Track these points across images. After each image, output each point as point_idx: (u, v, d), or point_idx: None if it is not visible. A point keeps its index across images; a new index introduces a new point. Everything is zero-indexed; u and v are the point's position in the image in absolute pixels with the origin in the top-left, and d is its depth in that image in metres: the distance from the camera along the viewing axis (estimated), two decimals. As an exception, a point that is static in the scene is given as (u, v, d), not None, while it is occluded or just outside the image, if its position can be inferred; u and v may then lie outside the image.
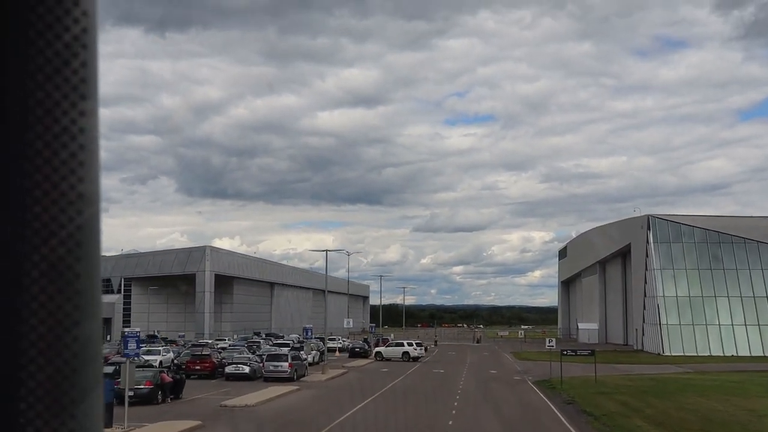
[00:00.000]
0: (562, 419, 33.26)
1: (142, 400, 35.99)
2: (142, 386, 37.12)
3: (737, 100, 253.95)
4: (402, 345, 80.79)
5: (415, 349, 79.46)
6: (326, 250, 67.23)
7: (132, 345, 28.89)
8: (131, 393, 36.64)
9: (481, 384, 51.65)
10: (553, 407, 37.96)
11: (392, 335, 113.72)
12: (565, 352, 50.79)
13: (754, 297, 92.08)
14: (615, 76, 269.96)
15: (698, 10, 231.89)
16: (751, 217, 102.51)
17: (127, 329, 52.06)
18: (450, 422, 32.52)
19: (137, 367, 46.88)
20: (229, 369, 51.48)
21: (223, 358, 55.23)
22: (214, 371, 52.07)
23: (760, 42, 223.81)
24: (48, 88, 0.99)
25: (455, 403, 39.02)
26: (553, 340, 70.31)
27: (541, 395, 43.72)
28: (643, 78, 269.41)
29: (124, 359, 55.17)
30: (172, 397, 39.31)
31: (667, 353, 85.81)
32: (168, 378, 39.73)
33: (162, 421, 31.72)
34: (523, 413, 36.23)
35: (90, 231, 1.02)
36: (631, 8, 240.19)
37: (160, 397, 37.89)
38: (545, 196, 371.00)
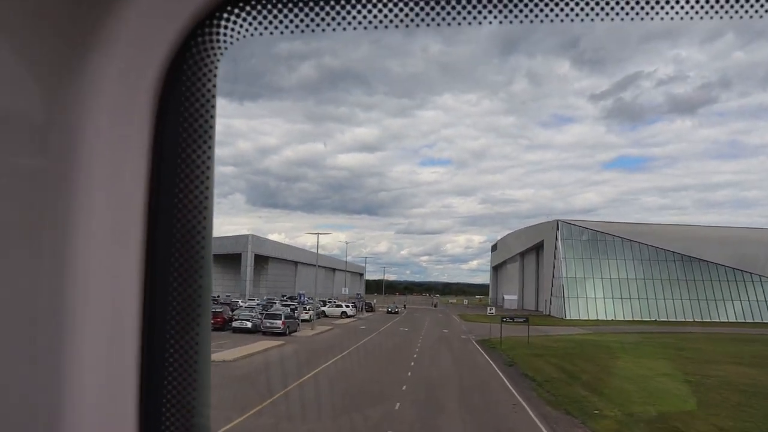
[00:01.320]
0: (509, 385, 22.30)
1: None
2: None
3: (601, 156, 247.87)
4: (341, 306, 69.12)
5: (350, 309, 68.49)
6: (318, 233, 56.04)
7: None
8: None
9: (436, 342, 40.46)
10: (497, 369, 26.84)
11: (375, 300, 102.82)
12: (504, 319, 39.13)
13: (626, 279, 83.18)
14: (528, 138, 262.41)
15: (580, 100, 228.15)
16: (619, 222, 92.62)
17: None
18: (408, 373, 23.82)
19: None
20: (235, 323, 40.71)
21: (234, 314, 44.33)
22: (224, 325, 41.15)
23: (615, 122, 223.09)
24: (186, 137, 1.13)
25: (413, 359, 28.68)
26: (493, 307, 59.11)
27: (486, 356, 32.24)
28: (545, 140, 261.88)
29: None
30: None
31: (568, 318, 76.16)
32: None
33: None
34: (470, 374, 25.38)
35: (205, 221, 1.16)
36: (539, 96, 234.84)
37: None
38: (482, 213, 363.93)
